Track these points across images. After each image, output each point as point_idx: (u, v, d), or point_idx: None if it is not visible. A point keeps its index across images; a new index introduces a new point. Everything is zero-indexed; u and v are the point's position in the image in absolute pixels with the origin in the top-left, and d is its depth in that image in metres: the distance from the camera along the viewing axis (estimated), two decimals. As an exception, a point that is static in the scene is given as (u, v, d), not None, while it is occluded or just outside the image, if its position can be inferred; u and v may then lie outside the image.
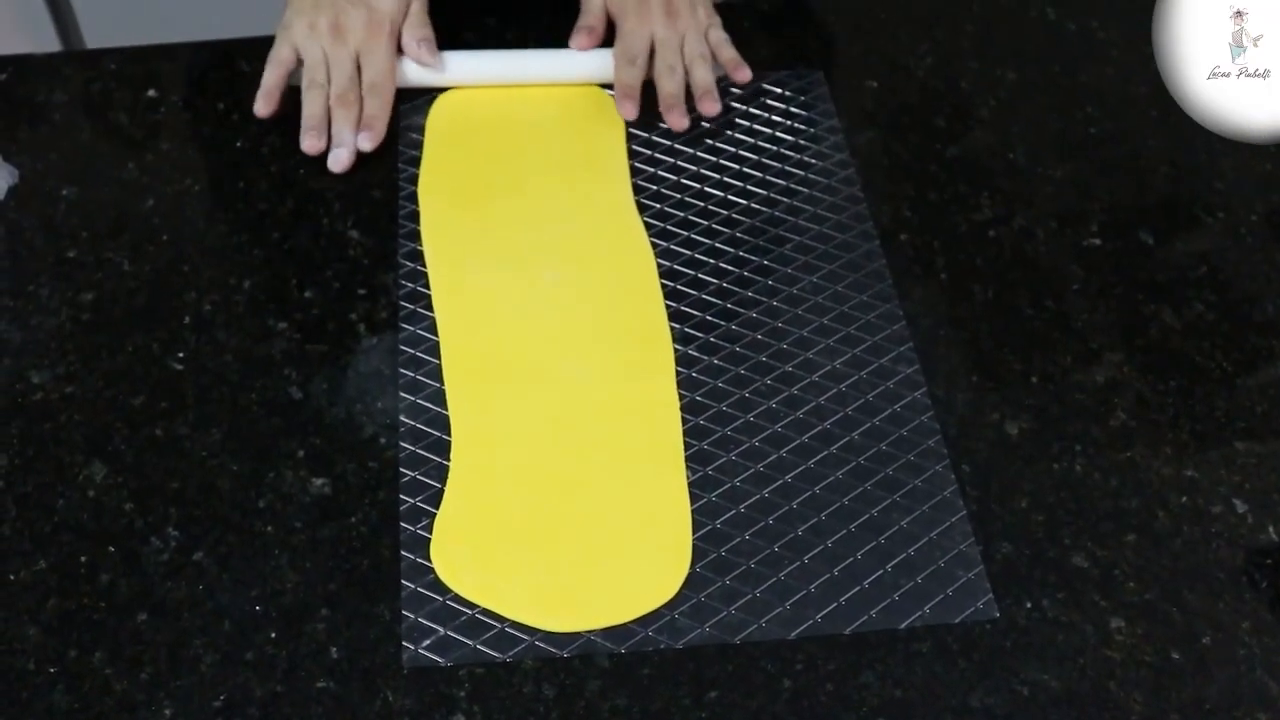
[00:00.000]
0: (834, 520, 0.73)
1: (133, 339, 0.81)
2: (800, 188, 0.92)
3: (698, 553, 0.72)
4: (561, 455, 0.76)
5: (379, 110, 0.91)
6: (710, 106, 0.95)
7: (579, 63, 0.97)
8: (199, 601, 0.69)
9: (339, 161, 0.90)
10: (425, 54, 0.94)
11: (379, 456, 0.76)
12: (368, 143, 0.91)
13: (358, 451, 0.76)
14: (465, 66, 0.96)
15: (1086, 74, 1.01)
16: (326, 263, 0.85)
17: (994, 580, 0.71)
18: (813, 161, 0.94)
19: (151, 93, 0.96)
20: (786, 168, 0.93)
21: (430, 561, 0.71)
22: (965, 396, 0.80)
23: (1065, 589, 0.71)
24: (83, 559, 0.71)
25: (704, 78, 0.95)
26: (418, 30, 0.95)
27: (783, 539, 0.73)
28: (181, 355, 0.80)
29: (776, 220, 0.90)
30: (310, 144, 0.90)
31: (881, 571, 0.71)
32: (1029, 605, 0.70)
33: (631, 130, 0.95)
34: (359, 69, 0.92)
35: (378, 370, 0.80)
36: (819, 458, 0.76)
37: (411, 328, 0.82)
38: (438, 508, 0.73)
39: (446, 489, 0.74)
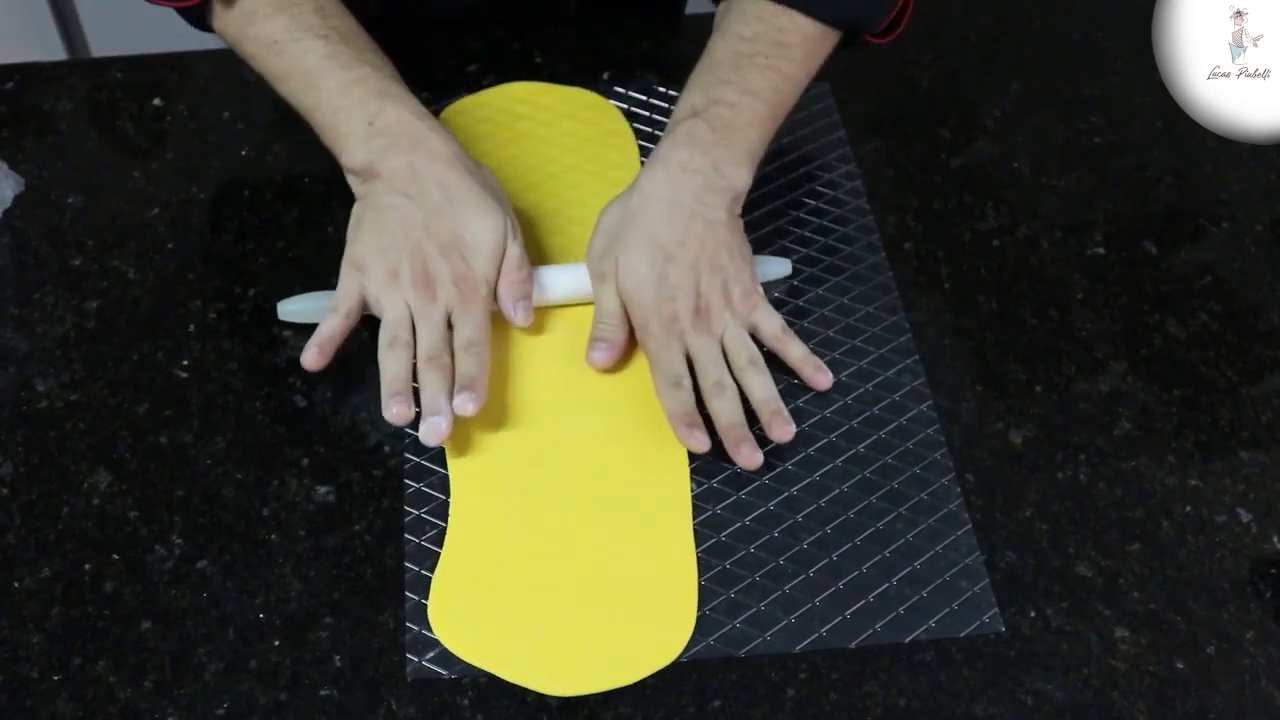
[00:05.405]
0: (839, 533, 0.73)
1: (138, 347, 0.81)
2: (807, 199, 0.92)
3: (702, 566, 0.72)
4: (560, 512, 0.74)
5: (477, 370, 0.75)
6: (781, 430, 0.75)
7: None
8: (203, 609, 0.69)
9: (438, 433, 0.73)
10: (521, 317, 0.79)
11: (383, 465, 0.76)
12: (471, 405, 0.74)
13: (362, 460, 0.76)
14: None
15: (1091, 84, 1.01)
16: (331, 271, 0.85)
17: (998, 589, 0.71)
18: (819, 173, 0.94)
19: (157, 101, 0.97)
20: (792, 178, 0.93)
21: (432, 575, 0.71)
22: (970, 406, 0.80)
23: (1069, 598, 0.71)
24: (87, 567, 0.71)
25: (762, 391, 0.77)
26: (517, 287, 0.79)
27: (788, 552, 0.72)
28: (186, 363, 0.80)
29: (782, 231, 0.89)
30: (399, 412, 0.73)
31: (887, 585, 0.71)
32: (1033, 614, 0.70)
33: (641, 144, 0.94)
34: (448, 323, 0.78)
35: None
36: (824, 470, 0.76)
37: (416, 337, 0.82)
38: (442, 519, 0.73)
39: (444, 549, 0.72)
